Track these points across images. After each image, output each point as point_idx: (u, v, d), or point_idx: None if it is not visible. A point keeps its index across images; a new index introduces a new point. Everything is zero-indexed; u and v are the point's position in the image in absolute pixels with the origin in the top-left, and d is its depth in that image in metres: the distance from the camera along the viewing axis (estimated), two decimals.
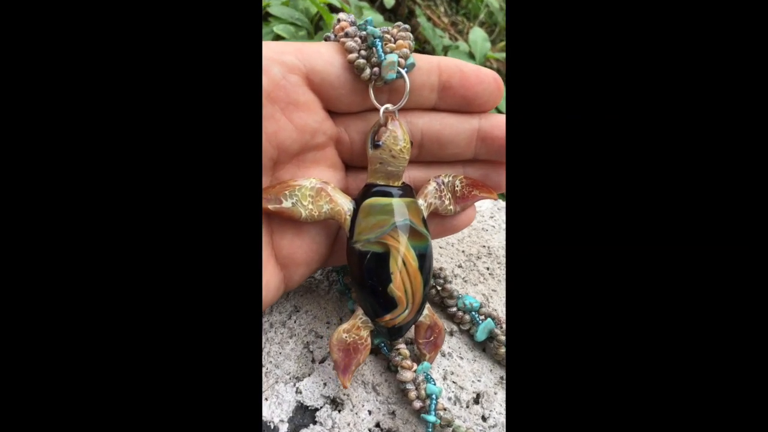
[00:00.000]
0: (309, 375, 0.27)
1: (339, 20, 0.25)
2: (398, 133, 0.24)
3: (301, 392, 0.26)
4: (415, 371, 0.26)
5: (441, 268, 0.31)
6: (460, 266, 0.35)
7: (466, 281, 0.34)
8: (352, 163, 0.28)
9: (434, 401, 0.25)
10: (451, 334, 0.31)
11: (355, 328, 0.25)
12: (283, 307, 0.30)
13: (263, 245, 0.25)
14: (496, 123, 0.26)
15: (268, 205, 0.24)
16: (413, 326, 0.27)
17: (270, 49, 0.23)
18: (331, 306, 0.30)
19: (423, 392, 0.25)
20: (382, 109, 0.25)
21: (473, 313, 0.30)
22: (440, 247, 0.37)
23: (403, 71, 0.24)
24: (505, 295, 0.34)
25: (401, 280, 0.24)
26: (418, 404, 0.25)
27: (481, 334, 0.29)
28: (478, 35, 0.57)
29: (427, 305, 0.27)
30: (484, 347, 0.30)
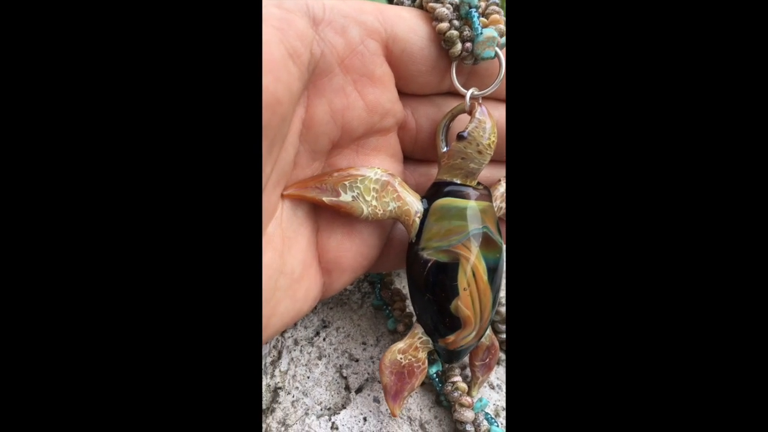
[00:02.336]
0: (344, 407, 0.22)
1: None
2: (487, 125, 0.20)
3: (337, 428, 0.22)
4: (473, 409, 0.22)
5: None
6: None
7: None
8: (411, 155, 0.23)
9: None
10: (498, 363, 0.27)
11: (413, 348, 0.21)
12: (309, 321, 0.25)
13: (306, 245, 0.20)
14: None
15: (323, 197, 0.19)
16: None
17: (348, 5, 0.19)
18: (365, 323, 0.25)
19: None
20: (468, 94, 0.21)
21: None
22: None
23: (499, 51, 0.20)
24: None
25: (470, 296, 0.20)
26: None
27: None
28: None
29: None
30: None
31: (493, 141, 0.20)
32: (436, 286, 0.20)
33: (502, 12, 0.21)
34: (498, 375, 0.26)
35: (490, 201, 0.22)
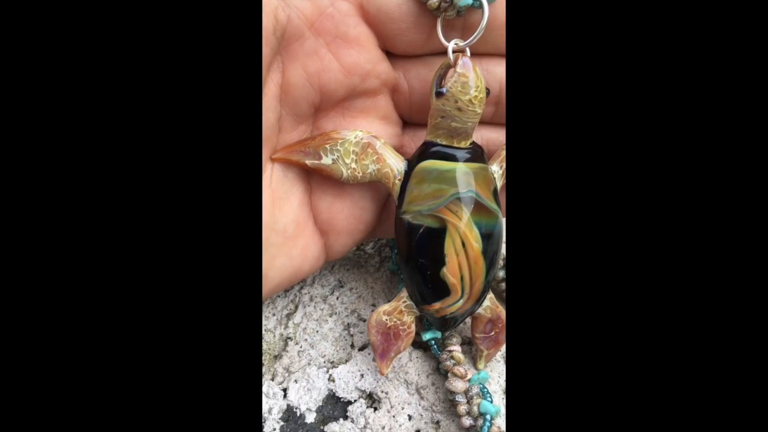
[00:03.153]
0: (345, 362, 0.24)
1: None
2: (469, 78, 0.19)
3: (334, 380, 0.23)
4: (468, 381, 0.21)
5: None
6: None
7: None
8: (410, 119, 0.23)
9: (488, 423, 0.20)
10: None
11: (397, 311, 0.21)
12: (326, 280, 0.26)
13: (299, 205, 0.21)
14: None
15: (306, 160, 0.20)
16: (471, 317, 0.22)
17: None
18: (379, 286, 0.26)
19: (476, 409, 0.20)
20: (450, 45, 0.19)
21: None
22: None
23: None
24: None
25: (458, 264, 0.19)
26: (467, 422, 0.21)
27: None
28: None
29: (490, 295, 0.22)
30: None
31: (477, 96, 0.19)
32: (420, 251, 0.20)
33: None
34: None
35: (484, 163, 0.20)
